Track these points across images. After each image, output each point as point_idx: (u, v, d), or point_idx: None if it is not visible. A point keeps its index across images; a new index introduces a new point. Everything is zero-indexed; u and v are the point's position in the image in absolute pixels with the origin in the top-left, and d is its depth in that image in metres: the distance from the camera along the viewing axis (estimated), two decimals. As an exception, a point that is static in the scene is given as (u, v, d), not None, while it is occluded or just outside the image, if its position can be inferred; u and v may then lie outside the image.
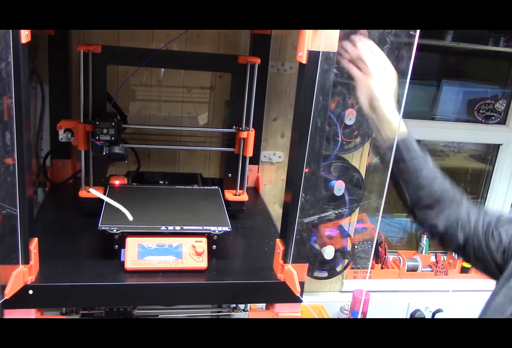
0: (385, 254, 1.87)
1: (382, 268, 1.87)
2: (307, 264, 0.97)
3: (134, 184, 1.21)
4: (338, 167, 1.58)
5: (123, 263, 0.93)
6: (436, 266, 1.93)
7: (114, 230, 0.95)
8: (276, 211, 1.42)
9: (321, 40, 0.81)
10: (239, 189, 1.24)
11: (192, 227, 0.99)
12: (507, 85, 2.01)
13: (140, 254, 0.94)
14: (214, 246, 0.98)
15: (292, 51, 1.49)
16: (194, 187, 1.21)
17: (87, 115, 1.12)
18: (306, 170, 0.90)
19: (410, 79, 0.90)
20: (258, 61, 1.17)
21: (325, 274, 1.65)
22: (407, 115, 1.96)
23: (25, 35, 0.75)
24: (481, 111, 1.94)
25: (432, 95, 2.01)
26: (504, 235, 0.79)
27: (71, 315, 1.03)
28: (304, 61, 0.84)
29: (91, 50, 1.09)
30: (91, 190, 1.09)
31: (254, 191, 1.47)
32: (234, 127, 1.22)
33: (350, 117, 1.49)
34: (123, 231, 0.95)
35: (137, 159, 1.33)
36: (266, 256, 1.04)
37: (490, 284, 1.90)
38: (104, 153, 1.10)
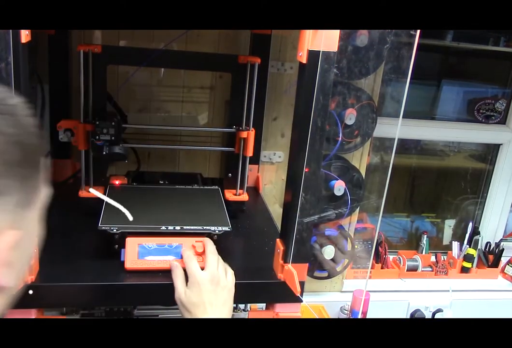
0: (385, 254, 1.87)
1: (382, 268, 1.87)
2: (307, 264, 0.97)
3: (134, 184, 1.21)
4: (338, 167, 1.58)
5: (123, 263, 0.93)
6: (436, 266, 1.93)
7: (114, 230, 0.95)
8: (276, 211, 1.41)
9: (321, 40, 0.81)
10: (239, 189, 1.24)
11: (192, 227, 0.99)
12: (507, 85, 2.01)
13: (140, 254, 0.94)
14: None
15: (292, 51, 1.49)
16: (194, 187, 1.21)
17: (87, 115, 1.12)
18: (306, 170, 0.90)
19: (410, 79, 0.90)
20: (258, 61, 1.17)
21: (325, 274, 1.65)
22: (407, 115, 1.97)
23: (25, 35, 0.75)
24: (481, 111, 1.93)
25: (432, 95, 2.01)
26: None
27: (71, 315, 1.03)
28: (304, 60, 0.84)
29: (91, 50, 1.09)
30: (91, 190, 1.09)
31: (254, 191, 1.47)
32: (234, 127, 1.22)
33: (350, 117, 1.49)
34: (123, 231, 0.95)
35: (137, 159, 1.33)
36: (266, 256, 1.04)
37: (490, 284, 1.92)
38: (104, 153, 1.10)
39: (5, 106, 0.49)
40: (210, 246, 0.94)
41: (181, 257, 0.94)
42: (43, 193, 0.55)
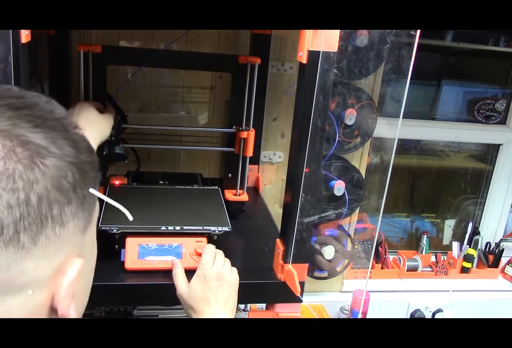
0: (385, 254, 1.87)
1: (382, 268, 1.87)
2: (307, 264, 0.97)
3: (134, 184, 1.21)
4: (338, 167, 1.58)
5: (123, 263, 0.93)
6: (436, 266, 1.93)
7: (114, 230, 0.95)
8: (276, 211, 1.41)
9: (321, 40, 0.81)
10: (239, 189, 1.24)
11: (192, 227, 0.99)
12: (507, 85, 2.01)
13: (140, 254, 0.94)
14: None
15: (292, 51, 1.49)
16: (194, 187, 1.21)
17: (87, 115, 1.12)
18: (306, 170, 0.90)
19: (410, 79, 0.90)
20: (258, 61, 1.17)
21: (325, 274, 1.65)
22: (407, 115, 1.97)
23: (25, 35, 0.75)
24: (481, 111, 1.94)
25: (432, 95, 2.01)
26: None
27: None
28: (304, 61, 0.84)
29: (91, 50, 1.09)
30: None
31: (254, 191, 1.47)
32: (234, 127, 1.22)
33: (350, 117, 1.49)
34: (123, 231, 0.95)
35: (137, 159, 1.33)
36: (266, 256, 1.04)
37: (490, 284, 1.92)
38: (104, 153, 1.10)
39: (57, 121, 0.42)
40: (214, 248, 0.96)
41: (182, 257, 0.94)
42: (97, 208, 0.49)
